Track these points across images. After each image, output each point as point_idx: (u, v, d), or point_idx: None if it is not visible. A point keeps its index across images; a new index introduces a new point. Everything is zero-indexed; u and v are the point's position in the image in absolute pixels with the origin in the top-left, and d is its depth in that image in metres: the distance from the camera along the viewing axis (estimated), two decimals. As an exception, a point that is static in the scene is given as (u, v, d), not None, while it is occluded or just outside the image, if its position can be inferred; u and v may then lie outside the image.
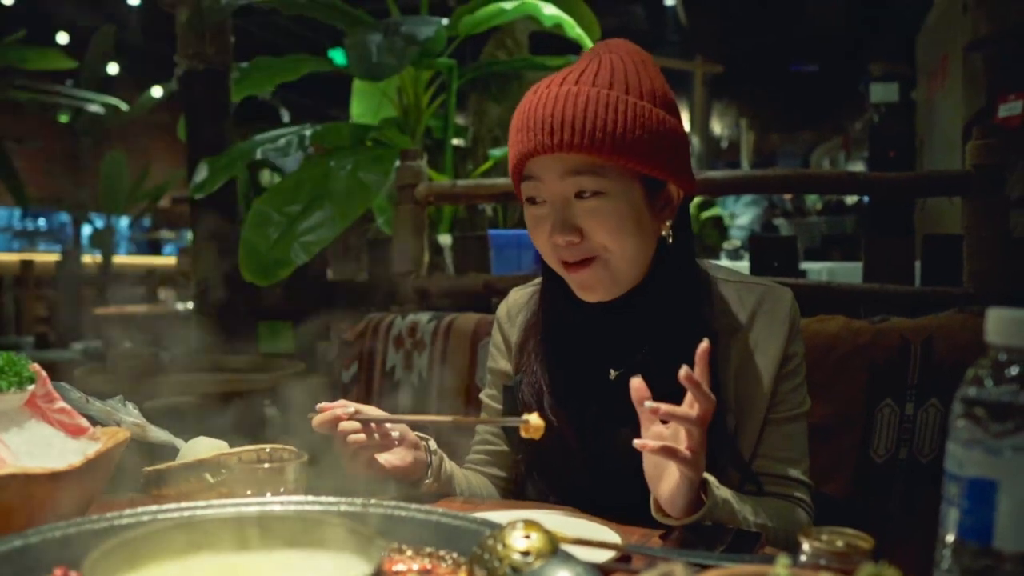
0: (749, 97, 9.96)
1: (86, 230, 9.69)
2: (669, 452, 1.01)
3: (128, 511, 0.85)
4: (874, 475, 1.69)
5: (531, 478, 1.38)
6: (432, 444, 1.30)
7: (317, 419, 1.20)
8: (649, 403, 1.01)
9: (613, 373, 1.30)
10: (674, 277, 1.29)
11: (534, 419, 1.10)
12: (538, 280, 1.45)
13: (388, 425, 1.23)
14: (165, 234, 12.45)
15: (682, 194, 1.29)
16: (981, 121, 3.30)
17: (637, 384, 1.04)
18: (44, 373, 1.06)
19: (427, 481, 1.27)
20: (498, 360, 1.49)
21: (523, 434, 1.11)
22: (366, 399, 2.09)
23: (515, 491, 1.45)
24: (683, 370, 1.00)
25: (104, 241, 8.52)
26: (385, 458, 1.22)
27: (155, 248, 12.56)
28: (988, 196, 1.89)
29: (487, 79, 4.03)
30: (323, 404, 1.21)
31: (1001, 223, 1.90)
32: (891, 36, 7.21)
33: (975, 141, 1.92)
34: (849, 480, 1.71)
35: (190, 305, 4.62)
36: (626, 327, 1.29)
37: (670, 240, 1.28)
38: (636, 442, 1.03)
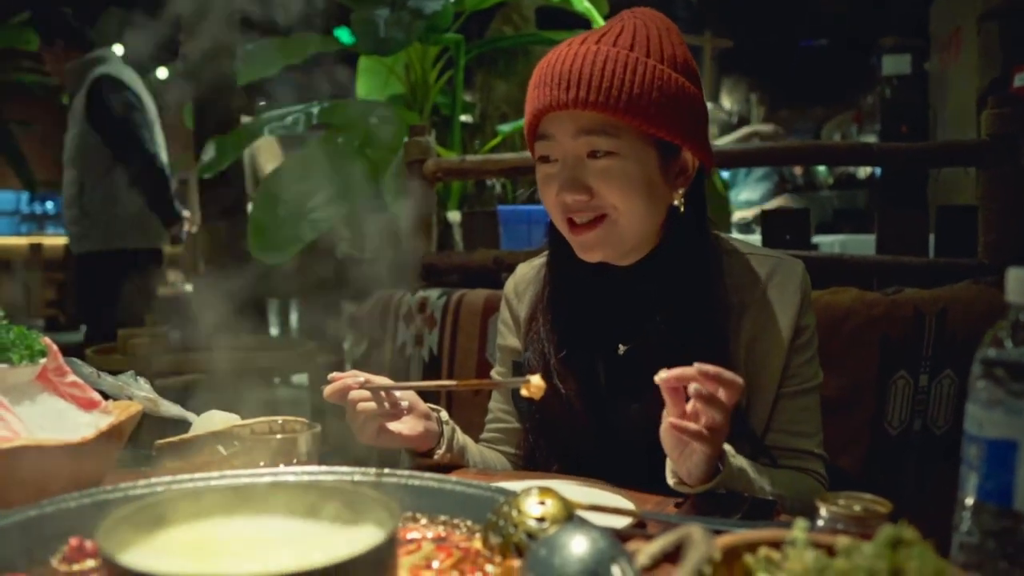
0: (759, 72, 9.86)
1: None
2: (693, 434, 0.99)
3: (142, 481, 0.85)
4: (888, 447, 1.69)
5: (539, 448, 1.37)
6: (444, 415, 1.30)
7: (328, 389, 1.20)
8: (695, 386, 0.98)
9: (622, 348, 1.29)
10: (686, 247, 1.27)
11: (535, 379, 1.09)
12: (545, 254, 1.44)
13: (399, 394, 1.23)
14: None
15: (697, 163, 1.27)
16: (996, 91, 3.26)
17: (663, 377, 1.02)
18: (55, 347, 1.06)
19: (439, 451, 1.27)
20: (507, 337, 1.48)
21: (523, 392, 1.10)
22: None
23: (527, 467, 1.44)
24: (714, 369, 0.98)
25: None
26: (395, 427, 1.22)
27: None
28: (1003, 166, 1.87)
29: (494, 55, 4.00)
30: (334, 374, 1.21)
31: (1016, 193, 1.87)
32: (903, 8, 7.12)
33: (990, 110, 1.89)
34: (863, 453, 1.70)
35: (191, 286, 4.59)
36: (635, 299, 1.28)
37: (681, 209, 1.26)
38: (670, 420, 1.00)
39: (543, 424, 1.34)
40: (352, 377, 1.20)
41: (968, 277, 1.77)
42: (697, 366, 0.99)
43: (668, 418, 1.01)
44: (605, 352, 1.30)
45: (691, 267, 1.27)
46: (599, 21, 3.42)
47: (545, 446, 1.35)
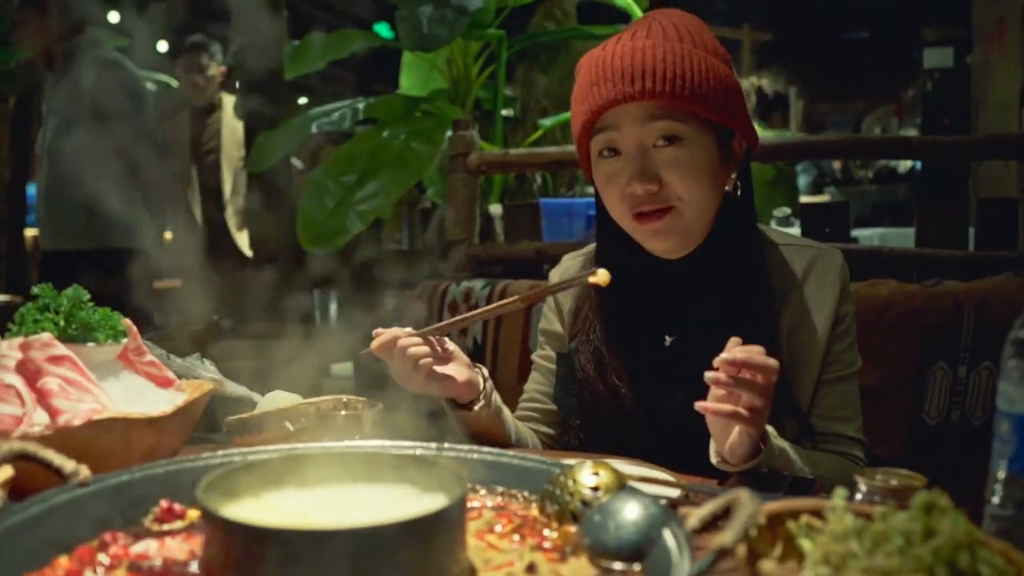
0: (798, 65, 9.79)
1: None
2: (730, 415, 1.04)
3: (221, 452, 0.91)
4: (926, 438, 1.71)
5: (584, 431, 1.41)
6: (485, 371, 1.34)
7: (376, 343, 1.24)
8: (711, 374, 1.05)
9: (668, 339, 1.33)
10: (738, 234, 1.32)
11: (602, 271, 1.18)
12: (590, 247, 1.48)
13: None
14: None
15: (744, 146, 1.32)
16: (1039, 84, 3.23)
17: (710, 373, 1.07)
18: (135, 328, 1.13)
19: (479, 404, 1.30)
20: (552, 322, 1.51)
21: (591, 280, 1.20)
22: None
23: (559, 449, 1.47)
24: (742, 356, 1.04)
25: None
26: (443, 370, 1.27)
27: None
28: (1045, 159, 1.88)
29: (535, 49, 4.04)
30: (379, 330, 1.26)
31: (1058, 186, 1.88)
32: (946, 0, 7.03)
33: (1032, 103, 1.90)
34: (901, 442, 1.72)
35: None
36: (683, 290, 1.32)
37: (738, 192, 1.31)
38: (698, 404, 1.06)
39: (589, 411, 1.38)
40: (399, 330, 1.25)
41: (1008, 270, 1.78)
42: (723, 356, 1.04)
43: (711, 404, 1.06)
44: (651, 343, 1.34)
45: (740, 258, 1.31)
46: (640, 15, 3.45)
47: (591, 432, 1.40)
